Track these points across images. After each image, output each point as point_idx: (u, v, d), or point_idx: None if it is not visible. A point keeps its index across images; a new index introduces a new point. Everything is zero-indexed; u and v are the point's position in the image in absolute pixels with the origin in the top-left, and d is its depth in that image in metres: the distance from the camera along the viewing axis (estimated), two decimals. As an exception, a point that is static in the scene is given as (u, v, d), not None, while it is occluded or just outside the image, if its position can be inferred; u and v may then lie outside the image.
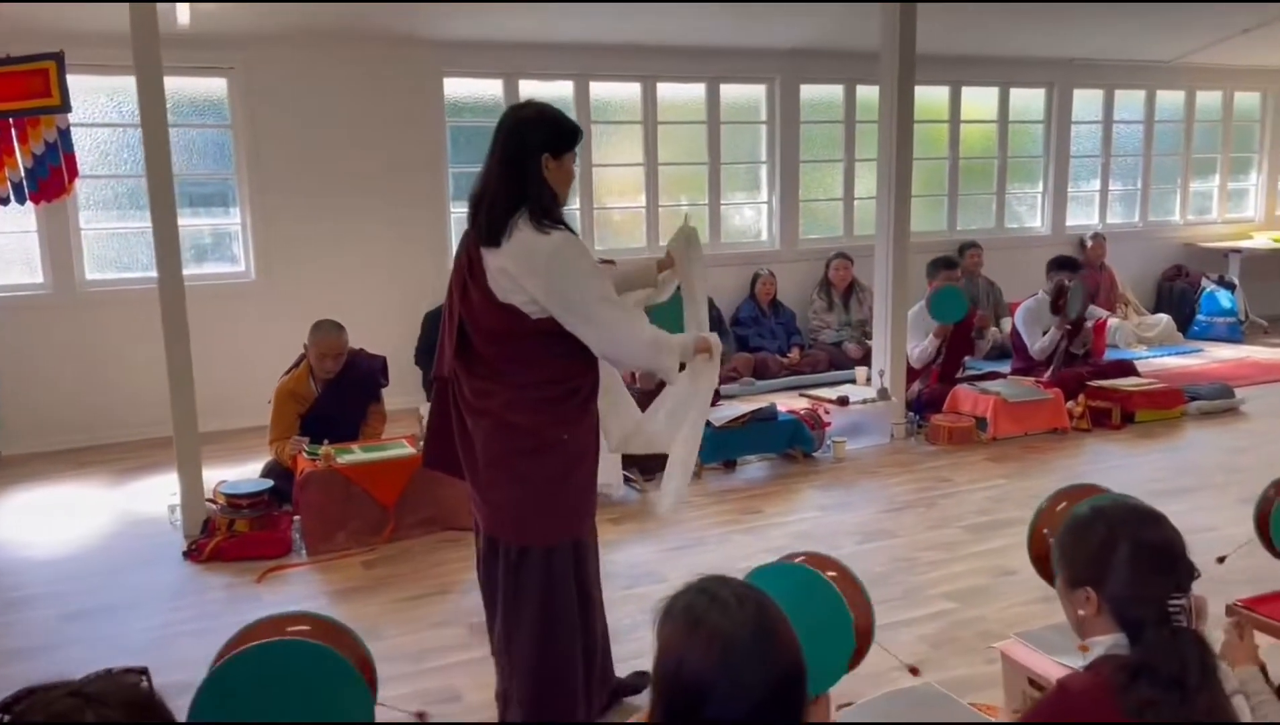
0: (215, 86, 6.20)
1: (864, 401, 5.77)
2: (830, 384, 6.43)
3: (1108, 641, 1.70)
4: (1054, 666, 2.52)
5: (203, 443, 5.73)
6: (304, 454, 4.45)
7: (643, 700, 3.01)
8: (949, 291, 6.07)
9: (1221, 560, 2.86)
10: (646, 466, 4.78)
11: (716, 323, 6.56)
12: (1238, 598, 2.98)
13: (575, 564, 2.60)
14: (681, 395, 2.73)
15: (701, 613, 1.44)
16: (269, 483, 4.47)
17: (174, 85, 6.07)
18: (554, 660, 2.57)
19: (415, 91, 6.54)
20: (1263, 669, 2.08)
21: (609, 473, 3.27)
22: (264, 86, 6.17)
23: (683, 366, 2.72)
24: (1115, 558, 1.67)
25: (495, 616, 2.66)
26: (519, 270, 2.39)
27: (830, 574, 2.40)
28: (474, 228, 2.51)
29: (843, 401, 5.69)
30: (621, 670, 3.03)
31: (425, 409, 6.21)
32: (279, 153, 6.24)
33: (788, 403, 5.84)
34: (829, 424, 5.57)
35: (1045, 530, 2.70)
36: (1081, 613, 1.72)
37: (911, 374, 6.11)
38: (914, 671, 2.39)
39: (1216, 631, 2.08)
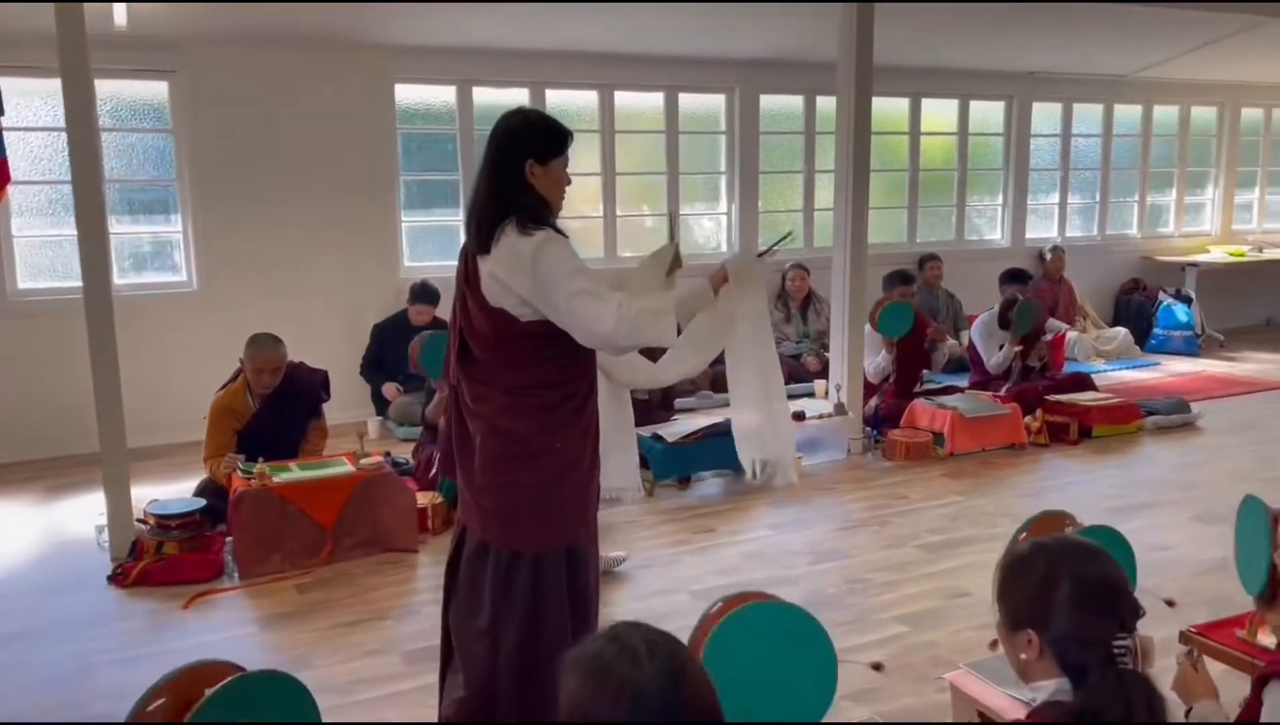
0: (156, 90, 6.01)
1: (820, 416, 5.68)
2: (790, 398, 6.32)
3: (1050, 687, 1.60)
4: (1004, 699, 2.44)
5: (140, 459, 5.56)
6: (239, 472, 4.28)
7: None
8: (893, 306, 6.02)
9: (1171, 604, 2.80)
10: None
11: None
12: (1193, 623, 2.91)
13: (569, 573, 2.57)
14: (705, 326, 2.64)
15: (609, 663, 1.33)
16: (200, 502, 4.30)
17: (113, 88, 5.92)
18: (542, 666, 2.50)
19: (366, 97, 6.38)
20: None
21: (624, 477, 3.13)
22: (208, 90, 5.99)
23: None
24: (1056, 597, 1.57)
25: (467, 625, 2.58)
26: (506, 273, 2.41)
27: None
28: (467, 235, 2.54)
29: (799, 416, 5.59)
30: None
31: (373, 424, 6.13)
32: (223, 159, 6.06)
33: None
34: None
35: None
36: (1024, 656, 1.62)
37: (869, 389, 6.04)
38: (877, 668, 2.35)
39: (1169, 659, 2.00)
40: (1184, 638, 2.89)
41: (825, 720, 2.99)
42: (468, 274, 2.52)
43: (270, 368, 4.56)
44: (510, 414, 2.48)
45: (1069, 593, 1.57)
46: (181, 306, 6.10)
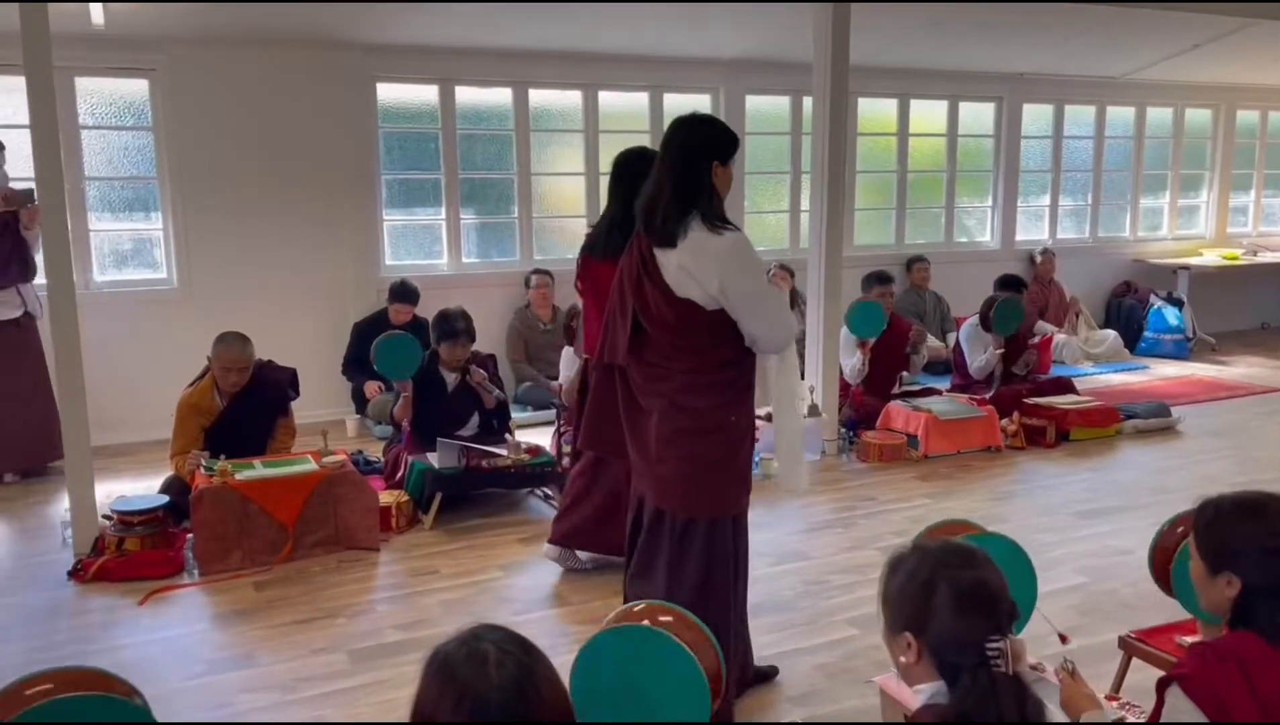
0: (137, 88, 6.04)
1: (794, 417, 5.65)
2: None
3: (929, 690, 1.60)
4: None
5: (119, 454, 5.62)
6: (202, 469, 4.30)
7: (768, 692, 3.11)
8: (864, 305, 6.00)
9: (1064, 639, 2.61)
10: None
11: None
12: (1135, 628, 2.89)
13: (735, 537, 2.82)
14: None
15: (456, 667, 1.33)
16: (163, 499, 4.31)
17: (93, 86, 5.95)
18: (711, 625, 2.58)
19: (347, 96, 6.39)
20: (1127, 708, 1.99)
21: None
22: (188, 89, 6.02)
23: None
24: (935, 601, 1.57)
25: (641, 588, 2.84)
26: (696, 267, 2.65)
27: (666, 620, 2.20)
28: (648, 230, 2.77)
29: (769, 417, 5.57)
30: None
31: (351, 422, 6.15)
32: (203, 157, 6.09)
33: (718, 418, 5.71)
34: (758, 440, 5.43)
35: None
36: (903, 659, 1.62)
37: (845, 390, 6.01)
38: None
39: (1110, 665, 1.96)
40: (1122, 642, 2.87)
41: (763, 720, 3.01)
42: (644, 264, 2.76)
43: (237, 366, 4.57)
44: (691, 392, 2.74)
45: (945, 596, 1.56)
46: (162, 303, 6.12)
